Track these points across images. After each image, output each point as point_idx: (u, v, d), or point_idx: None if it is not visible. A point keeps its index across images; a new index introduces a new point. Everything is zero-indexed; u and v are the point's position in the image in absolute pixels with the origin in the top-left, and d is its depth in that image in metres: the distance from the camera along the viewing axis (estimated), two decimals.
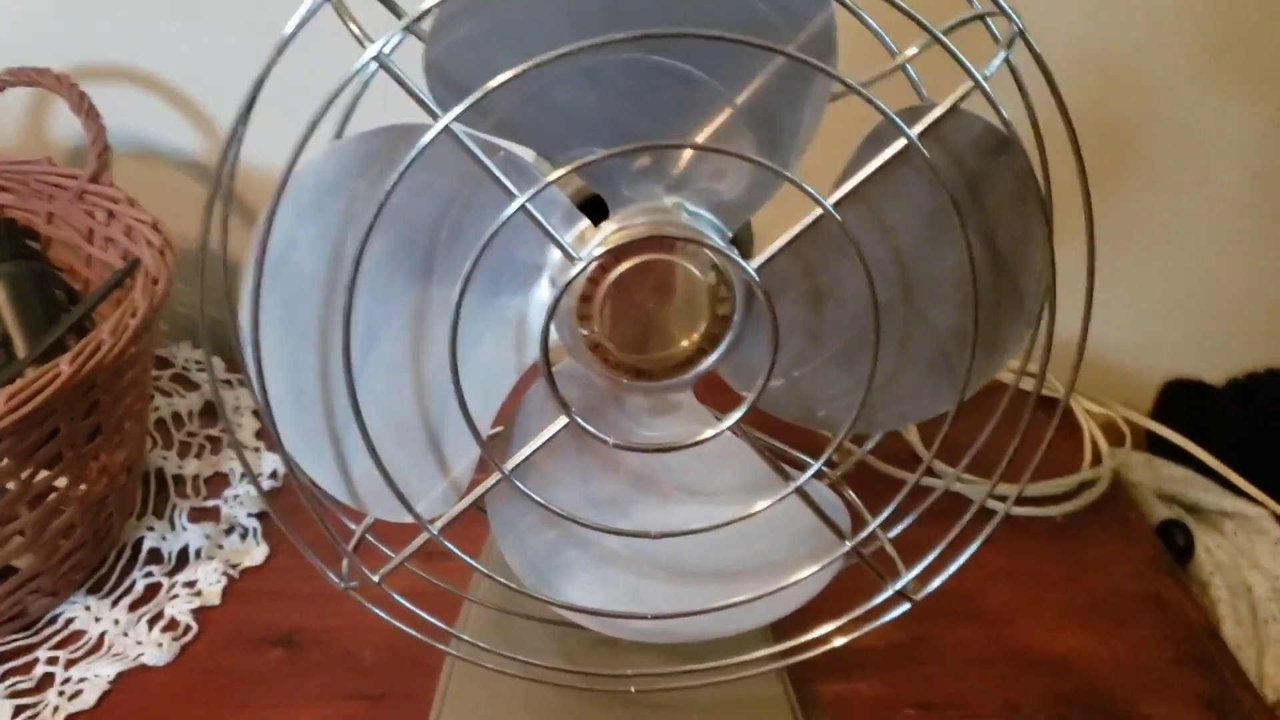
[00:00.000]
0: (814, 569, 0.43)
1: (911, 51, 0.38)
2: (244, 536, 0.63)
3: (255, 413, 0.71)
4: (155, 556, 0.61)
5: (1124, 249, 0.81)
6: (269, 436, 0.38)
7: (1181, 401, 0.83)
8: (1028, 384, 0.41)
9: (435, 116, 0.33)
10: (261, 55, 0.32)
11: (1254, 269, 0.83)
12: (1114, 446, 0.74)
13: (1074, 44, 0.72)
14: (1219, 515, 0.72)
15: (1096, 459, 0.73)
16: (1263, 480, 0.74)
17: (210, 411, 0.72)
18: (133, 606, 0.58)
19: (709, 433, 0.39)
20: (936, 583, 0.44)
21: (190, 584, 0.59)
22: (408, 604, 0.43)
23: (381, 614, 0.43)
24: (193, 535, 0.62)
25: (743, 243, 0.39)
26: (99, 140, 0.64)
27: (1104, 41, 0.73)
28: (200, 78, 0.73)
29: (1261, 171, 0.78)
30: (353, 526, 0.43)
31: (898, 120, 0.35)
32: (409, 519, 0.40)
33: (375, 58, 0.32)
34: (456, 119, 0.33)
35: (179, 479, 0.67)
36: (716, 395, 0.41)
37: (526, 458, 0.40)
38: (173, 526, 0.63)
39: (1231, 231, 0.81)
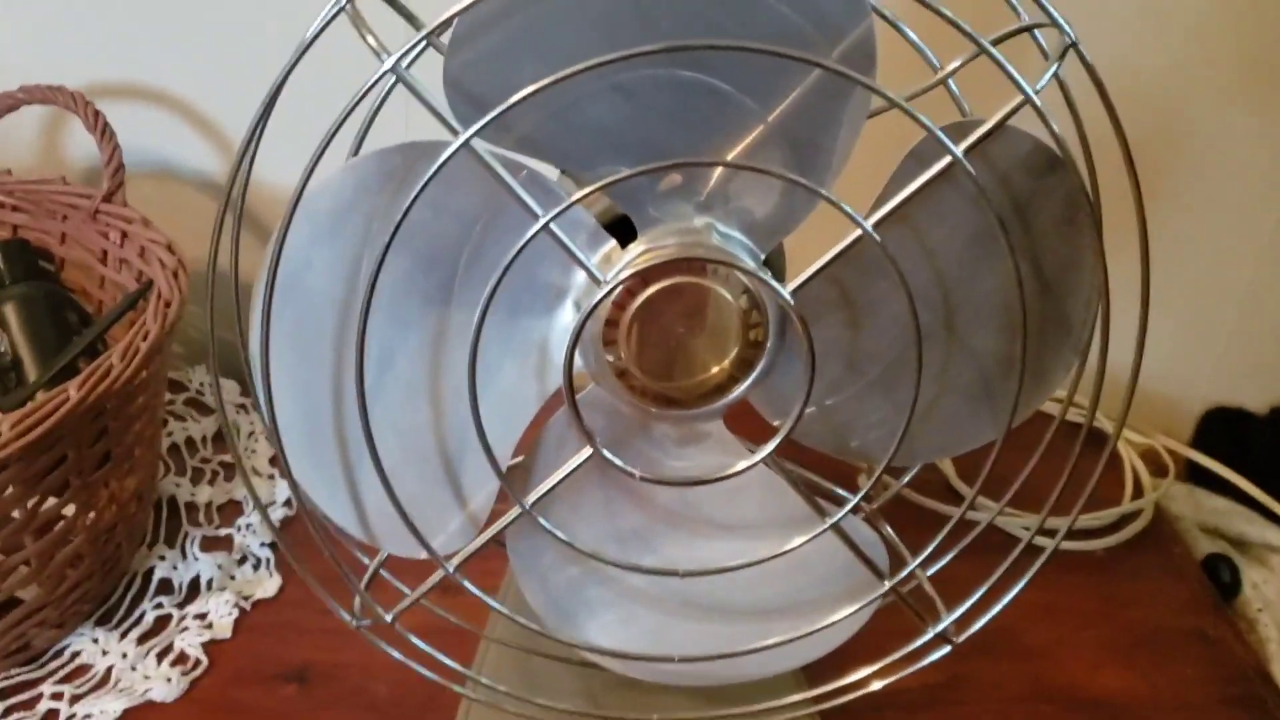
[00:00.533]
0: (852, 609, 0.41)
1: (955, 65, 0.37)
2: (256, 567, 0.62)
3: None
4: (166, 587, 0.60)
5: (1159, 272, 0.79)
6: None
7: (1222, 430, 0.80)
8: (1068, 415, 0.39)
9: (455, 133, 0.32)
10: (278, 72, 0.31)
11: None
12: (1154, 477, 0.71)
13: (1107, 62, 0.70)
14: (1264, 549, 0.69)
15: (1137, 491, 0.70)
16: None
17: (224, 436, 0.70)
18: (141, 639, 0.56)
19: (742, 465, 0.37)
20: (979, 624, 0.41)
21: (201, 616, 0.58)
22: (422, 644, 0.42)
23: (395, 653, 0.42)
24: (204, 565, 0.60)
25: (775, 266, 0.38)
26: (114, 159, 0.63)
27: (1136, 59, 0.71)
28: (217, 96, 0.72)
29: None
30: (366, 561, 0.41)
31: (943, 137, 0.33)
32: (424, 555, 0.38)
33: (392, 69, 0.31)
34: (478, 135, 0.31)
35: (191, 506, 0.65)
36: (744, 423, 0.39)
37: (548, 491, 0.38)
38: (184, 556, 0.61)
39: (1270, 254, 0.79)
